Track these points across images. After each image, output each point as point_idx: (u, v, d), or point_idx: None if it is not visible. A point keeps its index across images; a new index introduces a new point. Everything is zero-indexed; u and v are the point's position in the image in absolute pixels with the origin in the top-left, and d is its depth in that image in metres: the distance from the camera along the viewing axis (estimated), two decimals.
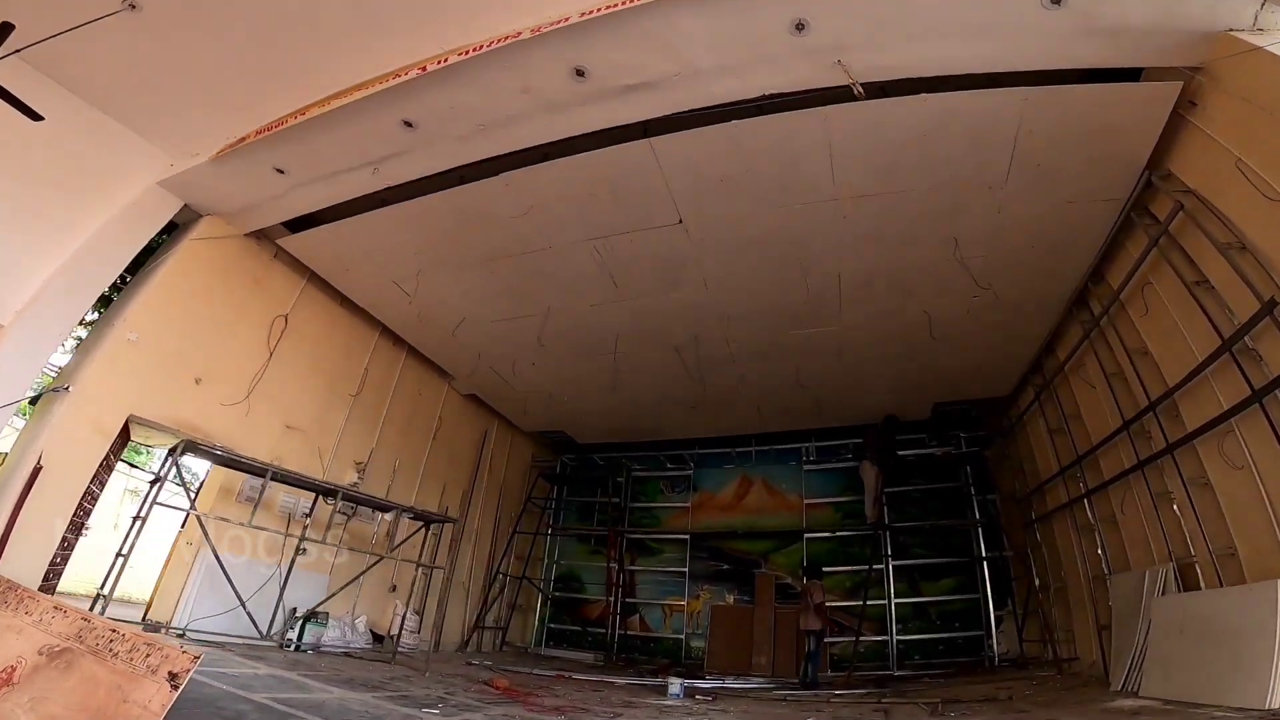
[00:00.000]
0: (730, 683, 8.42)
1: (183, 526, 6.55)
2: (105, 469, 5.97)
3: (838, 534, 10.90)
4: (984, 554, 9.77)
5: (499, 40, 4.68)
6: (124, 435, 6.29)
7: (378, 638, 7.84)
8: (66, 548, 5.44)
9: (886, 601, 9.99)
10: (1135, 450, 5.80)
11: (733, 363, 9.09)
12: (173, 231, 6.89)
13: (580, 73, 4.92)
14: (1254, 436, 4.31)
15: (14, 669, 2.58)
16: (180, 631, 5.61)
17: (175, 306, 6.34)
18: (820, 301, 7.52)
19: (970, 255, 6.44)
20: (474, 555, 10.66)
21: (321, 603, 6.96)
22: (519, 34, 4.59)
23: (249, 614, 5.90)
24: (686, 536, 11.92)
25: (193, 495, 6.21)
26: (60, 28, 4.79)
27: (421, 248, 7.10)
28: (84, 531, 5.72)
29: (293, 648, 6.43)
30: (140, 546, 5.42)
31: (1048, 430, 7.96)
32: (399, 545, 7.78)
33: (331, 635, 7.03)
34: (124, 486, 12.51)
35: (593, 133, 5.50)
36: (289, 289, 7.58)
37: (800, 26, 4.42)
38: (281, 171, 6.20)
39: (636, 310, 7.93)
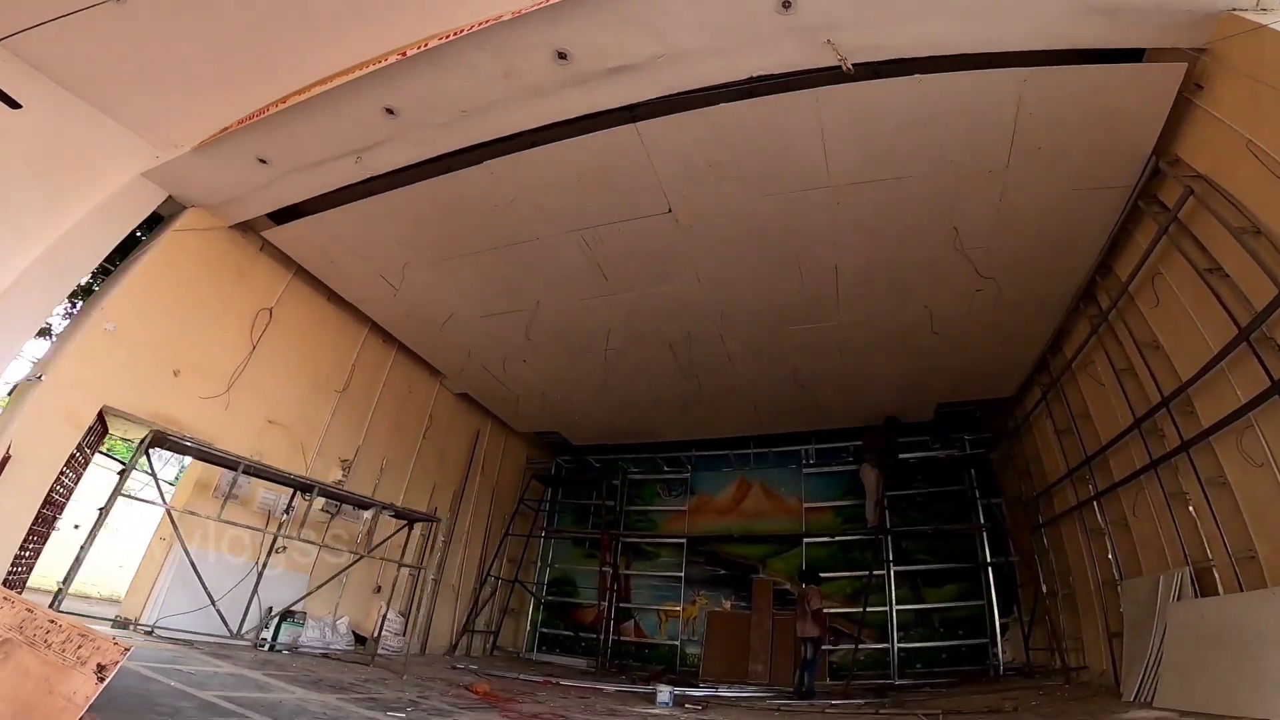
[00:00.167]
0: (723, 691, 8.15)
1: (166, 521, 6.40)
2: (80, 462, 5.85)
3: (838, 539, 10.61)
4: (989, 559, 9.48)
5: (479, 24, 4.58)
6: (103, 427, 6.19)
7: (360, 640, 7.64)
8: (36, 541, 5.30)
9: (888, 608, 9.70)
10: (1148, 449, 5.57)
11: (728, 361, 8.90)
12: (157, 224, 6.82)
13: (562, 55, 4.79)
14: (1275, 431, 4.08)
15: None
16: (149, 629, 5.45)
17: (156, 297, 6.23)
18: (817, 296, 7.32)
19: (971, 247, 6.27)
20: (465, 557, 10.47)
21: (296, 601, 6.78)
22: (499, 16, 4.48)
23: (218, 611, 5.73)
24: (683, 540, 11.68)
25: (162, 489, 6.06)
26: (43, 17, 4.72)
27: (407, 240, 6.98)
28: (55, 525, 5.58)
29: (266, 647, 6.25)
30: (123, 543, 5.26)
31: (1055, 431, 7.74)
32: (379, 545, 7.61)
33: (310, 635, 6.84)
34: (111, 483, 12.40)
35: (578, 119, 5.37)
36: (274, 282, 7.47)
37: (787, 4, 4.27)
38: (264, 161, 6.10)
39: (628, 305, 7.76)
